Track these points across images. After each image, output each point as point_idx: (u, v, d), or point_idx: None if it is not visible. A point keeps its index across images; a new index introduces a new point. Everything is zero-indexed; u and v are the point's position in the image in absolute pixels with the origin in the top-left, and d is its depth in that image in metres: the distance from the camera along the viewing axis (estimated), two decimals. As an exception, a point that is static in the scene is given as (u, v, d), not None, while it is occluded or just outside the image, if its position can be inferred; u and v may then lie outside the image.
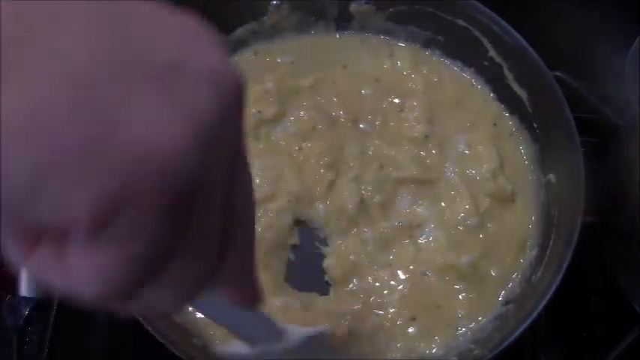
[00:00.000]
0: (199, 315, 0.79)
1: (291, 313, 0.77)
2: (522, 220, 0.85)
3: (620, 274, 0.82)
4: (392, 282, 0.81)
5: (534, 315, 0.72)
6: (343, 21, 0.93)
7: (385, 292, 0.80)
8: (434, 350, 0.79)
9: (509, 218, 0.85)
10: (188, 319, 0.79)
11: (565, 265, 0.74)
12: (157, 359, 0.79)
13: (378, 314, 0.79)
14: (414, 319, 0.79)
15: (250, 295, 0.44)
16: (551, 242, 0.80)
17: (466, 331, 0.80)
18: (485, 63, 0.90)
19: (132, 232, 0.30)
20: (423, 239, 0.83)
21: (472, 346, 0.77)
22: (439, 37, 0.92)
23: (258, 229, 0.81)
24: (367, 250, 0.82)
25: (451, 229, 0.83)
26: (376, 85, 0.92)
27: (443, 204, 0.84)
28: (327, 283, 0.81)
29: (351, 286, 0.81)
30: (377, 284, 0.81)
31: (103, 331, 0.83)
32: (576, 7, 0.98)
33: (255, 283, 0.44)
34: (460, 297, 0.81)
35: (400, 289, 0.81)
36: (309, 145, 0.87)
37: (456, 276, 0.81)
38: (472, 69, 0.92)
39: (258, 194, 0.82)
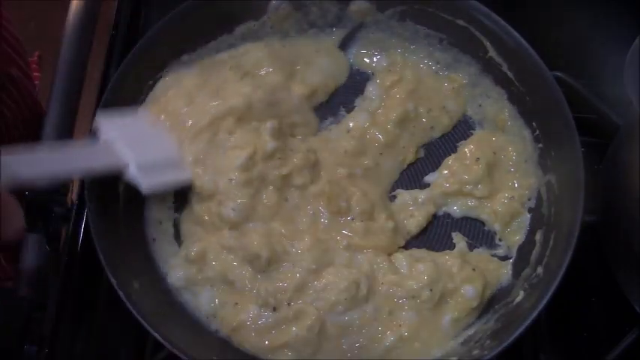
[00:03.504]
0: (200, 314, 0.80)
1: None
2: None
3: (620, 274, 0.82)
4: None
5: (534, 315, 0.72)
6: (343, 21, 0.93)
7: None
8: (432, 351, 0.79)
9: None
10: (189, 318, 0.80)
11: (565, 265, 0.74)
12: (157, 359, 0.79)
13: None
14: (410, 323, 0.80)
15: None
16: (551, 242, 0.80)
17: (464, 332, 0.80)
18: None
19: None
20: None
21: (471, 345, 0.78)
22: (439, 37, 0.92)
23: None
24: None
25: None
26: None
27: None
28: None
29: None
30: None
31: (102, 332, 0.83)
32: (576, 7, 0.98)
33: None
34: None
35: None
36: None
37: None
38: (472, 69, 0.92)
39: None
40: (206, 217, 0.82)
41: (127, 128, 0.81)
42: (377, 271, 0.81)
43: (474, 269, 0.81)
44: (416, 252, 0.84)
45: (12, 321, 0.77)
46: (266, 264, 0.79)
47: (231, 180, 0.81)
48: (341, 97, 0.94)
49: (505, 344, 0.72)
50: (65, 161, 0.74)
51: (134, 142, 0.79)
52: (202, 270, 0.81)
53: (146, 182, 0.78)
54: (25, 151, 0.69)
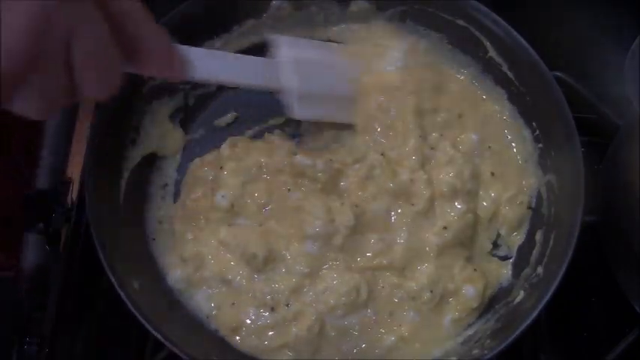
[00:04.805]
0: (200, 314, 0.80)
1: None
2: None
3: (620, 274, 0.82)
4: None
5: (534, 315, 0.73)
6: (343, 21, 0.93)
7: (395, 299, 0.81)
8: (433, 351, 0.79)
9: None
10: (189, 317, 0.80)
11: (565, 265, 0.74)
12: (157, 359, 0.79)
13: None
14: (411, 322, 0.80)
15: (175, 66, 0.66)
16: (551, 242, 0.80)
17: (464, 332, 0.80)
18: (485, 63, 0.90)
19: None
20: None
21: (471, 345, 0.78)
22: (439, 37, 0.92)
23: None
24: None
25: None
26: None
27: None
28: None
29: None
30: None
31: (102, 332, 0.83)
32: (576, 7, 0.98)
33: (173, 56, 0.65)
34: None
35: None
36: None
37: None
38: (472, 69, 0.92)
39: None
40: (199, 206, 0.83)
41: (306, 54, 0.81)
42: (377, 274, 0.81)
43: (474, 269, 0.81)
44: None
45: (12, 321, 0.77)
46: (262, 263, 0.79)
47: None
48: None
49: (505, 344, 0.72)
50: (232, 68, 0.76)
51: (306, 70, 0.80)
52: (199, 269, 0.81)
53: (301, 111, 0.80)
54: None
